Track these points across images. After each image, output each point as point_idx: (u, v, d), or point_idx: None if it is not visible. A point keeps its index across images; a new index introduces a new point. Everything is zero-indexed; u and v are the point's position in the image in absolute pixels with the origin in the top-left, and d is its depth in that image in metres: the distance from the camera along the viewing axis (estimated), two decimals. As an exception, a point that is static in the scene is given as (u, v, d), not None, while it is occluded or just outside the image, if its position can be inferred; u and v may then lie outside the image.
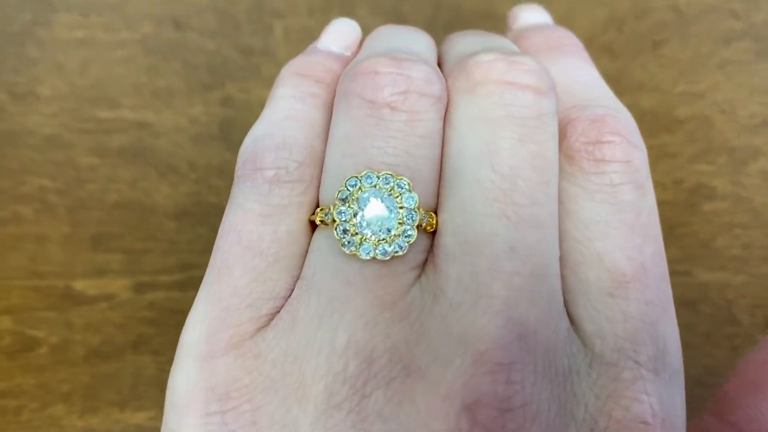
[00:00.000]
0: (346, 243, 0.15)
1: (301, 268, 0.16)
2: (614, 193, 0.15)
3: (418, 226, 0.15)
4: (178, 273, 0.27)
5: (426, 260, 0.15)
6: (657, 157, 0.28)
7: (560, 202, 0.15)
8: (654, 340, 0.14)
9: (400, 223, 0.15)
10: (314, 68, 0.18)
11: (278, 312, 0.15)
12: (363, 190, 0.16)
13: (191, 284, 0.27)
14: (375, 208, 0.15)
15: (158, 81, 0.28)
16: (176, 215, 0.27)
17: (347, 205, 0.16)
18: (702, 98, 0.29)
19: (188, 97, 0.28)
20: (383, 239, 0.15)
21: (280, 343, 0.15)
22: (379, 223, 0.15)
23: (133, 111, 0.28)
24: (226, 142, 0.28)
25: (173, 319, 0.27)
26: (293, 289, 0.15)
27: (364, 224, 0.15)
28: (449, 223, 0.15)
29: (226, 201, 0.28)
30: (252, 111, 0.28)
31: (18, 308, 0.26)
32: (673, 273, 0.28)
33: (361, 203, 0.15)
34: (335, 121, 0.17)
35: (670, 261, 0.28)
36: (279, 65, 0.29)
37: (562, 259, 0.15)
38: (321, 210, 0.16)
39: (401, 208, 0.15)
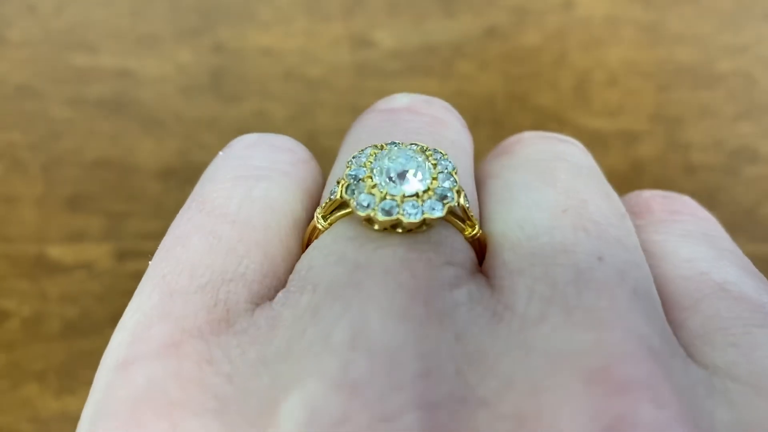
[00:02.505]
0: (358, 201, 0.12)
1: (284, 270, 0.12)
2: (710, 240, 0.13)
3: (455, 214, 0.12)
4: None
5: (469, 272, 0.12)
6: (695, 116, 0.26)
7: (645, 252, 0.12)
8: None
9: (434, 179, 0.12)
10: None
11: (242, 304, 0.11)
12: (384, 149, 0.12)
13: (179, 251, 0.24)
14: (399, 160, 0.12)
15: (142, 25, 0.25)
16: (162, 174, 0.25)
17: (361, 165, 0.12)
18: (745, 52, 0.26)
19: (175, 44, 0.25)
20: (410, 196, 0.12)
21: (247, 351, 0.10)
22: (407, 179, 0.12)
23: (113, 58, 0.25)
24: (217, 93, 0.25)
25: (159, 290, 0.24)
26: (273, 294, 0.11)
27: (385, 178, 0.12)
28: (504, 240, 0.12)
29: (218, 159, 0.25)
30: (246, 59, 0.25)
31: (-15, 276, 0.24)
32: (712, 244, 0.25)
33: (380, 160, 0.12)
34: (344, 141, 0.14)
35: (710, 230, 0.25)
36: (277, 8, 0.26)
37: (671, 304, 0.12)
38: (319, 207, 0.13)
39: (435, 166, 0.12)
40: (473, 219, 0.12)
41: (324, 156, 0.25)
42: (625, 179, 0.25)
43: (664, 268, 0.12)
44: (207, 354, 0.10)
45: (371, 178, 0.12)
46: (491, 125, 0.25)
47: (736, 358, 0.11)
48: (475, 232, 0.12)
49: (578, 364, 0.09)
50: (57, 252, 0.24)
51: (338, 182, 0.12)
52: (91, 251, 0.24)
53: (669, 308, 0.12)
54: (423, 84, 0.26)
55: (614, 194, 0.13)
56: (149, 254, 0.24)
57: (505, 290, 0.11)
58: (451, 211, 0.12)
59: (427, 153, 0.13)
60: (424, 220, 0.11)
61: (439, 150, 0.13)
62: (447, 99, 0.26)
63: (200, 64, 0.25)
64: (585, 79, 0.26)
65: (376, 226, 0.12)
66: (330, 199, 0.12)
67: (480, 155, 0.26)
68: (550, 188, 0.12)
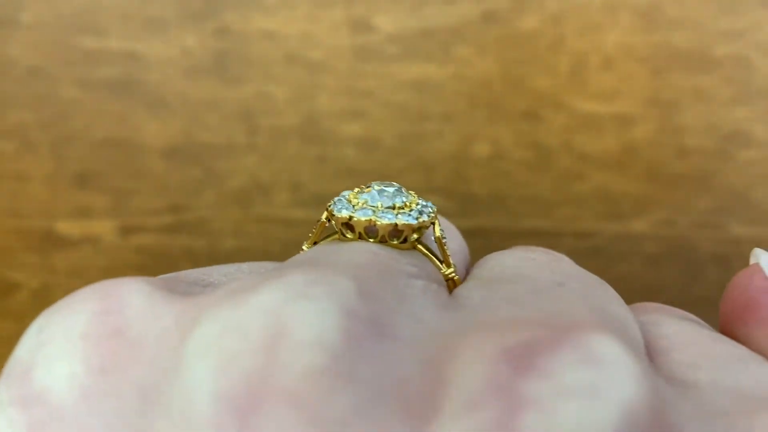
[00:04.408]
0: (337, 207, 0.12)
1: None
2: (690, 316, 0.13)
3: (432, 252, 0.13)
4: (167, 215, 0.25)
5: (434, 281, 0.12)
6: (690, 100, 0.26)
7: None
8: None
9: (413, 203, 0.13)
10: None
11: None
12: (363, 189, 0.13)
13: (181, 228, 0.25)
14: (381, 187, 0.13)
15: (149, 8, 0.26)
16: (166, 153, 0.25)
17: (344, 198, 0.13)
18: (742, 36, 0.26)
19: (181, 27, 0.26)
20: (389, 207, 0.12)
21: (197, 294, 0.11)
22: (387, 196, 0.13)
23: (121, 41, 0.26)
24: (220, 76, 0.26)
25: (162, 265, 0.25)
26: None
27: (367, 198, 0.13)
28: (468, 279, 0.12)
29: (220, 139, 0.26)
30: (250, 43, 0.26)
31: (-4, 249, 0.25)
32: (705, 225, 0.26)
33: (362, 193, 0.13)
34: None
35: (702, 212, 0.26)
36: (279, -8, 0.27)
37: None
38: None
39: (415, 199, 0.13)
40: (449, 259, 0.13)
41: (323, 137, 0.26)
42: (619, 162, 0.25)
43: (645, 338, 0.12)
44: (180, 300, 0.11)
45: (356, 198, 0.13)
46: (488, 108, 0.26)
47: (701, 379, 0.10)
48: (450, 271, 0.13)
49: (510, 327, 0.09)
50: (65, 227, 0.25)
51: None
52: (97, 227, 0.25)
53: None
54: (421, 68, 0.26)
55: None
56: (153, 230, 0.25)
57: (462, 297, 0.11)
58: (423, 244, 0.13)
59: (411, 192, 0.13)
60: (396, 225, 0.12)
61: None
62: (445, 83, 0.26)
63: (205, 47, 0.26)
64: (581, 63, 0.26)
65: (350, 235, 0.12)
66: (314, 229, 0.13)
67: (476, 139, 0.26)
68: (518, 252, 0.13)
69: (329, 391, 0.08)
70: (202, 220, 0.25)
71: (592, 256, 0.25)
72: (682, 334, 0.11)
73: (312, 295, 0.09)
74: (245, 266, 0.13)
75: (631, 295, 0.26)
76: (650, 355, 0.11)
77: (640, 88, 0.26)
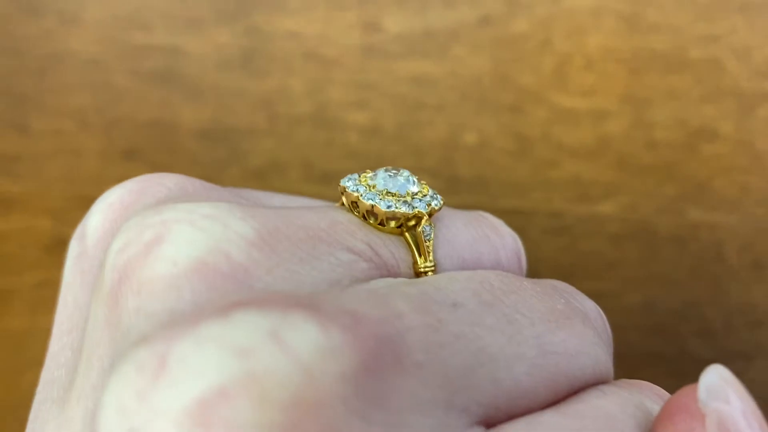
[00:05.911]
0: (346, 179, 0.14)
1: None
2: None
3: (416, 242, 0.13)
4: (197, 187, 0.30)
5: (377, 265, 0.12)
6: (663, 98, 0.29)
7: None
8: None
9: (410, 195, 0.13)
10: None
11: None
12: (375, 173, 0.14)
13: (208, 198, 0.29)
14: (388, 174, 0.14)
15: (189, 9, 0.30)
16: (199, 134, 0.30)
17: (355, 179, 0.14)
18: (717, 41, 0.29)
19: (216, 26, 0.30)
20: (380, 190, 0.13)
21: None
22: (386, 181, 0.13)
23: (165, 37, 0.30)
24: (247, 70, 0.30)
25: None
26: None
27: (369, 178, 0.13)
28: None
29: (244, 124, 0.30)
30: (274, 42, 0.30)
31: (57, 210, 0.30)
32: (666, 210, 0.28)
33: (373, 173, 0.14)
34: None
35: (665, 198, 0.28)
36: (300, -3, 0.31)
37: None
38: None
39: (420, 194, 0.14)
40: (427, 255, 0.13)
41: (333, 123, 0.30)
42: (591, 152, 0.28)
43: None
44: None
45: (366, 178, 0.13)
46: (477, 102, 0.29)
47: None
48: (425, 265, 0.13)
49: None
50: (113, 194, 0.30)
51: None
52: (139, 195, 0.30)
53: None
54: (421, 65, 0.30)
55: None
56: (185, 199, 0.30)
57: (366, 284, 0.12)
58: (413, 235, 0.13)
59: (423, 185, 0.14)
60: (373, 207, 0.13)
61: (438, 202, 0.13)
62: (441, 79, 0.30)
63: (235, 44, 0.30)
64: (565, 63, 0.29)
65: (344, 200, 0.13)
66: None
67: (465, 128, 0.29)
68: (492, 273, 0.12)
69: (156, 294, 0.10)
70: (226, 191, 0.29)
71: (560, 233, 0.28)
72: (616, 415, 0.11)
73: (197, 226, 0.11)
74: (297, 200, 0.15)
75: (593, 269, 0.29)
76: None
77: (617, 86, 0.29)
